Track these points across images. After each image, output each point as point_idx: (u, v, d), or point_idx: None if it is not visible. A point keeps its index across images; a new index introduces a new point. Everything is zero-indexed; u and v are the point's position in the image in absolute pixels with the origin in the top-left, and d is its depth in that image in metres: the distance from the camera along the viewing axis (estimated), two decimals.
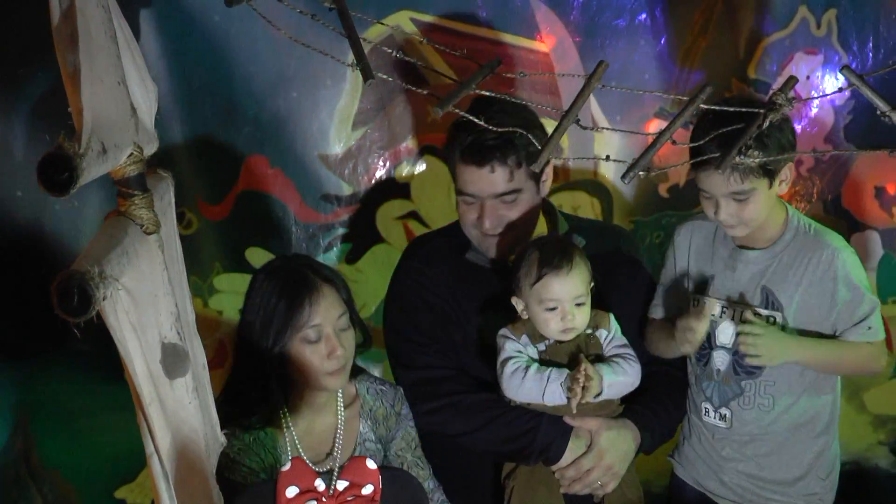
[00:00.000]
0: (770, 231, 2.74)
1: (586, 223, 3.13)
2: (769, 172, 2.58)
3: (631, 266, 2.95)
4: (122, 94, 1.42)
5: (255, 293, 2.49)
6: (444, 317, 2.80)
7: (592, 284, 2.61)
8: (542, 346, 2.63)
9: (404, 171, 3.50)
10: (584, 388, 2.52)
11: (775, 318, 2.72)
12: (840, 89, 1.71)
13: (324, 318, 2.45)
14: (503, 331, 2.65)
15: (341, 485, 1.89)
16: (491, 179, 2.64)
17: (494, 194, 2.67)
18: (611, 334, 2.68)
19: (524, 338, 2.63)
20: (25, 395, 3.38)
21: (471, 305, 2.80)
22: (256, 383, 2.47)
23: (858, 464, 3.88)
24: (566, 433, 2.64)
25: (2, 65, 3.15)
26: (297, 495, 1.85)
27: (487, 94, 1.78)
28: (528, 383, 2.57)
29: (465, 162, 2.64)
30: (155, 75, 3.21)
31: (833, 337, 2.73)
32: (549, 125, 2.46)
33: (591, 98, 3.46)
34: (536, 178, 2.72)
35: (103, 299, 1.19)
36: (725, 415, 2.82)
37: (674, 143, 1.65)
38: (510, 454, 2.67)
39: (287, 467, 1.85)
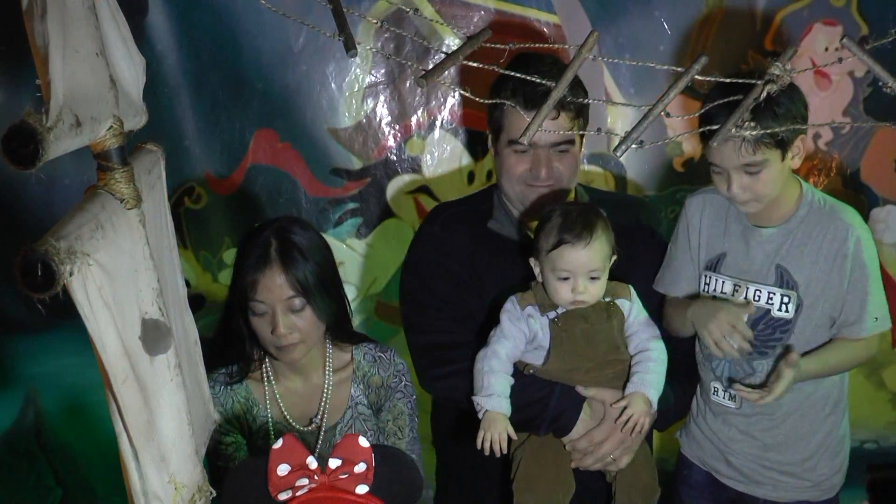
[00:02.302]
0: (784, 208, 2.68)
1: (606, 195, 3.11)
2: (781, 144, 2.53)
3: (650, 237, 2.90)
4: (100, 66, 1.39)
5: (238, 251, 2.56)
6: (460, 284, 2.75)
7: (614, 258, 2.54)
8: (552, 314, 2.54)
9: (415, 145, 3.47)
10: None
11: (790, 298, 2.68)
12: (840, 60, 1.65)
13: (268, 296, 2.47)
14: (508, 302, 2.58)
15: (333, 463, 1.86)
16: (552, 125, 2.58)
17: (551, 143, 2.64)
18: (632, 305, 2.60)
19: (529, 308, 2.54)
20: (35, 369, 3.40)
21: (489, 274, 2.75)
22: (230, 338, 2.54)
23: (878, 442, 3.84)
24: (578, 404, 2.59)
25: None
26: (289, 473, 1.82)
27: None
28: (479, 378, 2.52)
29: (527, 108, 2.53)
30: (163, 49, 3.25)
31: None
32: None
33: (605, 71, 3.43)
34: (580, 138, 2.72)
35: (70, 275, 1.17)
36: (735, 395, 2.78)
37: (667, 115, 1.61)
38: (520, 423, 2.54)
39: (278, 444, 1.83)
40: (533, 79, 1.68)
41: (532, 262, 2.57)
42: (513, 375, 2.56)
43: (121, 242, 1.36)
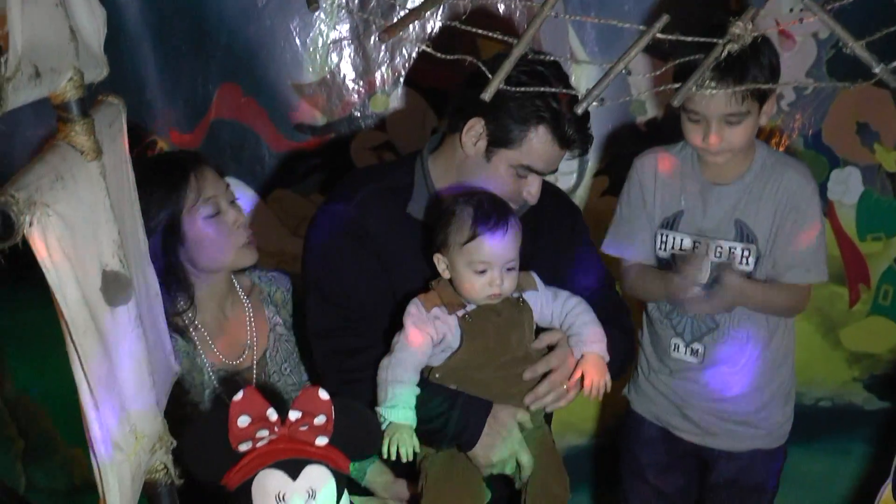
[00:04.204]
0: (741, 164, 2.76)
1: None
2: (762, 97, 2.58)
3: (553, 196, 2.81)
4: (60, 17, 1.39)
5: (153, 186, 2.37)
6: (371, 279, 2.58)
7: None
8: (460, 313, 2.46)
9: (379, 101, 3.46)
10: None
11: (750, 251, 2.73)
12: (801, 20, 1.67)
13: (214, 189, 2.42)
14: (412, 306, 2.47)
15: (293, 415, 1.88)
16: None
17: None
18: (539, 294, 2.55)
19: (436, 310, 2.45)
20: None
21: (401, 268, 2.60)
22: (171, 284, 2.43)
23: (833, 400, 3.90)
24: (482, 418, 2.47)
25: None
26: (249, 425, 1.84)
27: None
28: (383, 389, 2.44)
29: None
30: (125, 1, 3.21)
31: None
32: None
33: (570, 30, 3.43)
34: None
35: (30, 225, 1.17)
36: (698, 350, 2.84)
37: (628, 73, 1.62)
38: (423, 436, 2.44)
39: (239, 397, 1.84)
40: (494, 35, 1.66)
41: (437, 258, 2.47)
42: (419, 383, 2.47)
43: (81, 194, 1.37)
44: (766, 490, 3.03)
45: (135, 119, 2.89)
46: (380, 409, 2.40)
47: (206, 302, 2.52)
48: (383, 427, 2.38)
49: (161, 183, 2.40)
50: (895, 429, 3.74)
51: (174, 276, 2.45)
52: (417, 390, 2.44)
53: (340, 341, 2.56)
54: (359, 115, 3.45)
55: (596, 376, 2.50)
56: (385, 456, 2.37)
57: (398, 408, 2.40)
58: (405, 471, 2.53)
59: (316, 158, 3.48)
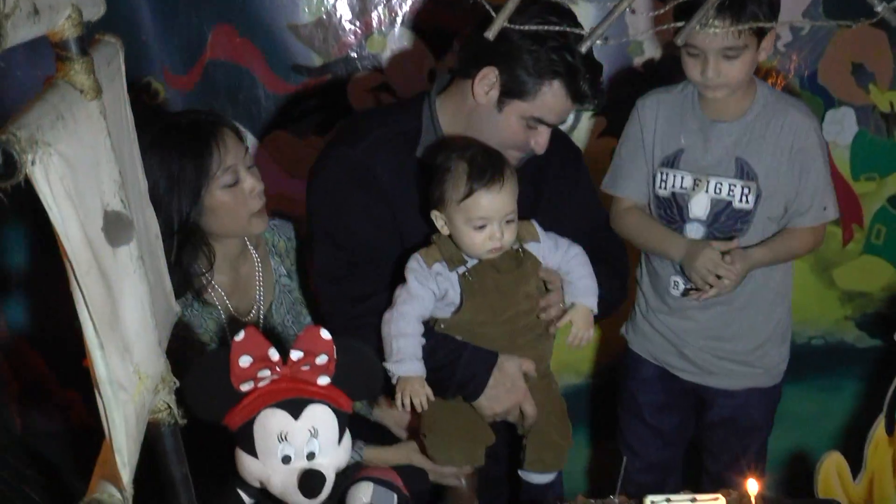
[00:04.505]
0: (741, 101, 2.77)
1: None
2: (761, 32, 2.58)
3: (557, 139, 2.77)
4: None
5: (151, 170, 2.27)
6: (380, 226, 2.58)
7: None
8: (461, 269, 2.46)
9: (376, 42, 3.44)
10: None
11: (750, 189, 2.74)
12: None
13: (235, 157, 2.41)
14: (413, 261, 2.48)
15: (295, 354, 1.89)
16: None
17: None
18: (542, 244, 2.55)
19: (437, 266, 2.46)
20: None
21: (409, 216, 2.58)
22: (182, 257, 2.42)
23: (825, 338, 3.93)
24: (488, 369, 2.50)
25: None
26: (251, 365, 1.86)
27: None
28: (388, 343, 2.44)
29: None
30: None
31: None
32: None
33: None
34: None
35: (32, 164, 1.17)
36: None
37: (632, 11, 1.62)
38: (429, 385, 2.46)
39: (240, 337, 1.85)
40: None
41: (435, 215, 2.47)
42: (424, 334, 2.48)
43: (82, 134, 1.36)
44: (761, 428, 3.08)
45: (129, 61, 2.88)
46: (387, 365, 2.40)
47: (221, 263, 2.53)
48: (393, 381, 2.40)
49: (186, 150, 2.39)
50: (886, 366, 3.75)
51: (195, 241, 2.45)
52: (423, 340, 2.45)
53: (347, 286, 2.56)
54: (355, 56, 3.43)
55: (582, 328, 2.53)
56: (399, 408, 2.41)
57: (405, 361, 2.41)
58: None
59: (313, 100, 3.45)
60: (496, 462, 2.67)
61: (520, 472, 2.63)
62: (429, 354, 2.45)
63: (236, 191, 2.43)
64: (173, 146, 2.38)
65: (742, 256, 2.70)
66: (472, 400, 2.53)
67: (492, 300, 2.48)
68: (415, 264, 2.47)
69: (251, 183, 2.44)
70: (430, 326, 2.50)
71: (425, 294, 2.45)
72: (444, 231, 2.46)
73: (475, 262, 2.47)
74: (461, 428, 2.54)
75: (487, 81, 2.49)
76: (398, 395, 2.41)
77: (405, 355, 2.42)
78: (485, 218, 2.39)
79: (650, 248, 2.90)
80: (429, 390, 2.42)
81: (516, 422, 2.59)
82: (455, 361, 2.47)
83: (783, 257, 2.84)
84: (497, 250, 2.43)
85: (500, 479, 2.76)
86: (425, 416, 2.52)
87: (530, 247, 2.53)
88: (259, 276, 2.59)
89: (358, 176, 2.56)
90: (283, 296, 2.63)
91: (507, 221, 2.42)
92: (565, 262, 2.56)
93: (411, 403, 2.42)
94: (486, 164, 2.40)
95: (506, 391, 2.50)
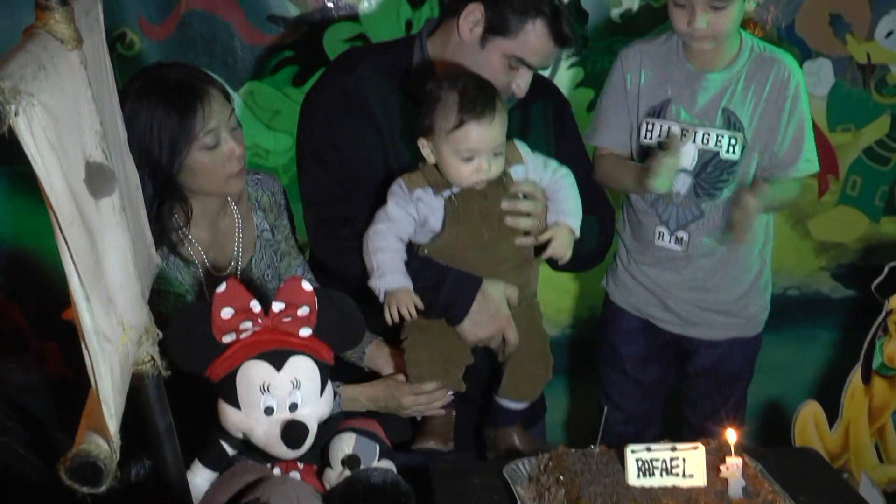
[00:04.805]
0: (728, 52, 2.78)
1: None
2: None
3: (544, 88, 2.81)
4: None
5: (135, 118, 2.31)
6: (368, 153, 2.60)
7: None
8: (446, 193, 2.45)
9: None
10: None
11: (737, 140, 2.76)
12: None
13: (218, 120, 2.39)
14: (395, 185, 2.48)
15: (277, 306, 1.89)
16: None
17: None
18: (526, 166, 2.53)
19: (419, 191, 2.45)
20: None
21: (402, 144, 2.60)
22: (161, 210, 2.41)
23: (801, 289, 3.97)
24: (472, 294, 2.49)
25: None
26: (232, 316, 1.86)
27: None
28: (370, 261, 2.45)
29: None
30: None
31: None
32: None
33: None
34: None
35: (15, 115, 1.16)
36: (682, 238, 2.88)
37: None
38: None
39: (222, 289, 1.85)
40: None
41: (422, 143, 2.45)
42: (408, 258, 2.48)
43: (63, 84, 1.35)
44: (742, 378, 3.11)
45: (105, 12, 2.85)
46: (371, 283, 2.42)
47: (199, 218, 2.51)
48: (381, 299, 2.41)
49: (172, 107, 2.35)
50: (860, 317, 3.81)
51: (173, 195, 2.43)
52: (404, 256, 2.46)
53: (334, 208, 2.59)
54: (332, 5, 3.41)
55: (561, 246, 2.50)
56: (389, 322, 2.41)
57: (387, 274, 2.42)
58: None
59: (289, 51, 3.43)
60: (474, 384, 2.67)
61: (494, 397, 2.64)
62: (413, 277, 2.46)
63: (215, 153, 2.41)
64: (159, 101, 2.34)
65: (752, 193, 2.70)
66: (454, 324, 2.53)
67: (474, 226, 2.47)
68: (396, 188, 2.47)
69: (231, 146, 2.42)
70: (412, 251, 2.51)
71: (403, 218, 2.45)
72: (431, 159, 2.45)
73: (461, 187, 2.45)
74: (442, 346, 2.55)
75: (473, 18, 2.51)
76: (386, 310, 2.41)
77: (386, 269, 2.42)
78: (473, 150, 2.38)
79: (628, 187, 2.89)
80: (416, 299, 2.42)
81: (497, 348, 2.59)
82: (439, 285, 2.47)
83: (775, 205, 2.86)
84: (482, 182, 2.43)
85: (475, 401, 2.76)
86: (406, 331, 2.53)
87: (514, 170, 2.51)
88: (239, 232, 2.58)
89: (350, 102, 2.58)
90: (264, 251, 2.62)
91: (495, 154, 2.42)
92: (553, 181, 2.54)
93: (400, 317, 2.42)
94: (477, 96, 2.38)
95: (489, 317, 2.50)
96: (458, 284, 2.48)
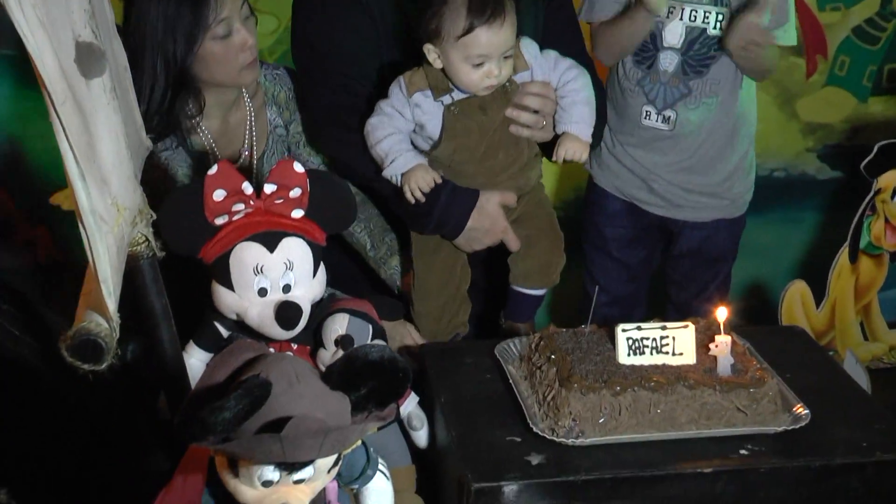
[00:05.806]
0: None
1: None
2: None
3: None
4: None
5: (147, 10, 2.31)
6: (368, 41, 2.52)
7: None
8: (447, 100, 2.38)
9: None
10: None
11: (723, 15, 2.75)
12: None
13: (230, 9, 2.36)
14: (395, 85, 2.40)
15: (269, 188, 1.89)
16: None
17: None
18: (532, 69, 2.44)
19: (418, 95, 2.37)
20: None
21: (399, 42, 2.50)
22: (174, 103, 2.40)
23: (787, 170, 3.98)
24: (468, 209, 2.46)
25: None
26: (225, 198, 1.85)
27: None
28: (377, 152, 2.41)
29: None
30: None
31: None
32: None
33: None
34: None
35: None
36: (669, 117, 2.88)
37: None
38: (407, 221, 2.51)
39: (213, 171, 1.84)
40: None
41: (427, 48, 2.34)
42: None
43: None
44: (727, 258, 3.13)
45: None
46: (385, 173, 2.39)
47: (212, 109, 2.49)
48: (399, 184, 2.38)
49: None
50: (846, 198, 3.83)
51: (187, 88, 2.41)
52: (407, 139, 2.42)
53: (334, 98, 2.52)
54: None
55: (574, 154, 2.42)
56: (411, 200, 2.37)
57: (398, 157, 2.38)
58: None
59: None
60: (481, 269, 2.68)
61: (511, 285, 2.63)
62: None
63: (228, 43, 2.38)
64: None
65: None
66: (449, 239, 2.51)
67: (472, 141, 2.42)
68: (396, 89, 2.40)
69: (243, 35, 2.39)
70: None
71: (398, 118, 2.40)
72: (437, 65, 2.35)
73: (462, 95, 2.39)
74: (441, 281, 2.56)
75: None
76: (406, 192, 2.37)
77: (396, 153, 2.38)
78: (484, 55, 2.29)
79: (628, 32, 2.81)
80: (434, 173, 2.38)
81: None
82: (435, 200, 2.42)
83: (763, 58, 2.83)
84: (492, 87, 2.36)
85: (483, 289, 2.77)
86: (414, 284, 2.55)
87: (520, 77, 2.44)
88: (251, 125, 2.57)
89: None
90: (276, 146, 2.61)
91: (506, 58, 2.33)
92: (561, 84, 2.45)
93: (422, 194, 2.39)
94: None
95: (484, 232, 2.49)
96: (452, 201, 2.44)
